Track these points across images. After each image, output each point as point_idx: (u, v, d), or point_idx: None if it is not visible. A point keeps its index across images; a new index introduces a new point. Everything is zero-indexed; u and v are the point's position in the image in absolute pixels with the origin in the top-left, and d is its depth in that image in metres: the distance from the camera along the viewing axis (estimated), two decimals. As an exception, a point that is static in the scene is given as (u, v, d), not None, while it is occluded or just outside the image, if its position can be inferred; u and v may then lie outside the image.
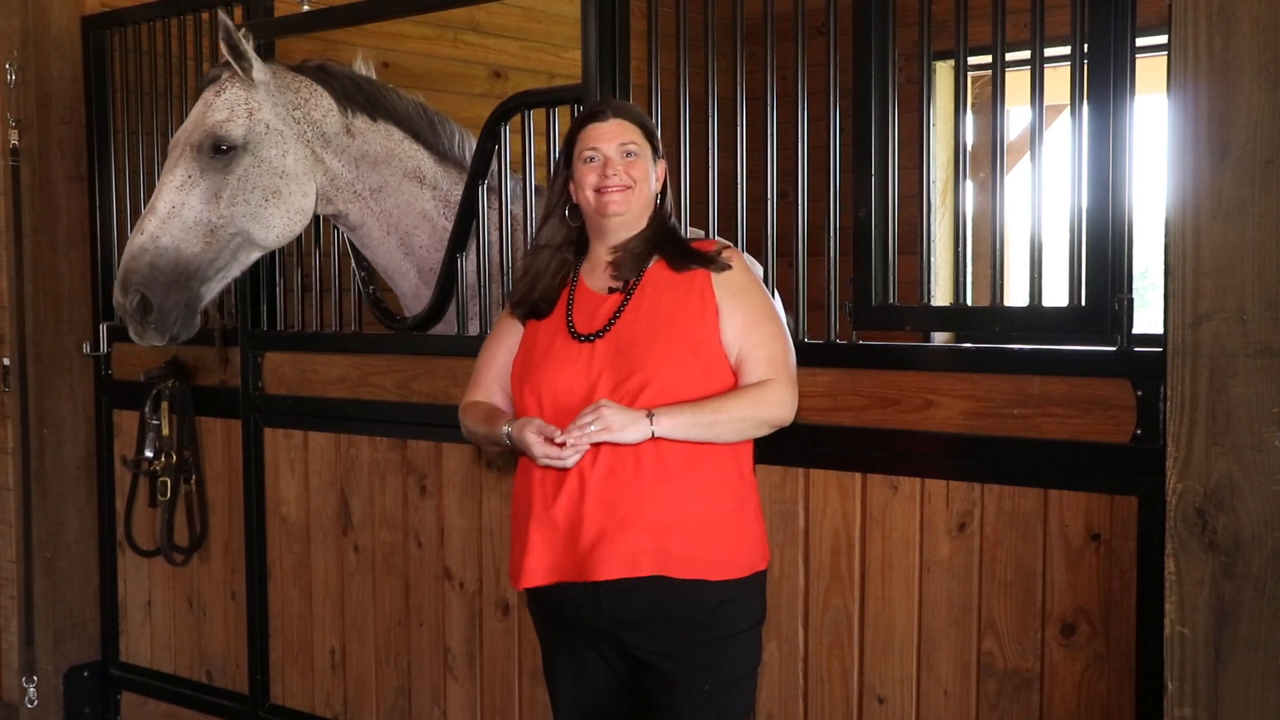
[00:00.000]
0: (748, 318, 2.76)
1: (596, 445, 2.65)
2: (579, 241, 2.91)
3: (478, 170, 3.66)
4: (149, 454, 4.32)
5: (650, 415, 2.63)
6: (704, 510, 2.69)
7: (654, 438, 2.64)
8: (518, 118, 3.63)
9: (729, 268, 2.78)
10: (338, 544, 4.07)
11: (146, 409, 4.32)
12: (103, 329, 4.72)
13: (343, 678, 4.09)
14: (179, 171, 3.58)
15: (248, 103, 3.60)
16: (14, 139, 4.63)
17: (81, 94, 4.71)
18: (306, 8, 4.06)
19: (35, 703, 4.73)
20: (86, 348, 4.73)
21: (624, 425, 2.61)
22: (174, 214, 3.54)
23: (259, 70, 3.62)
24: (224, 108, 3.58)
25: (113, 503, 4.74)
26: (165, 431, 4.32)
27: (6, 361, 4.75)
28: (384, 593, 3.97)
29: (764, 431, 2.78)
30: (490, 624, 3.73)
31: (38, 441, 4.68)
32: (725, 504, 2.73)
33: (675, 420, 2.65)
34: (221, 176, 3.57)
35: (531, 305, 2.87)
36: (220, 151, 3.56)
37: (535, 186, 3.68)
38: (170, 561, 4.42)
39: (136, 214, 4.64)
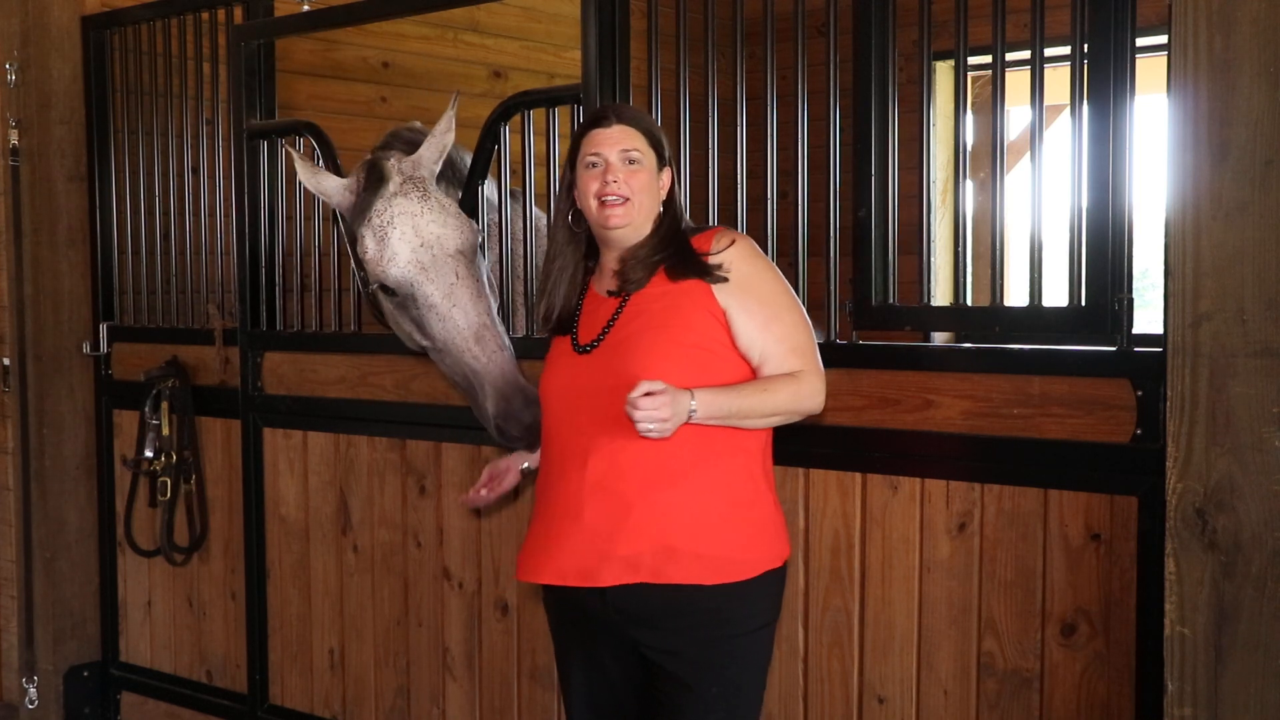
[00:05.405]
0: (764, 312, 2.70)
1: (616, 441, 2.64)
2: (590, 245, 2.88)
3: (477, 170, 3.65)
4: (149, 454, 4.32)
5: (692, 398, 2.58)
6: (709, 509, 2.66)
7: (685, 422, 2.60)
8: (518, 117, 3.63)
9: (725, 279, 2.70)
10: (337, 544, 4.06)
11: (146, 409, 4.32)
12: (103, 329, 4.73)
13: (342, 678, 4.09)
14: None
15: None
16: (14, 139, 4.63)
17: (81, 94, 4.71)
18: (306, 8, 4.06)
19: (35, 703, 4.72)
20: (86, 348, 4.73)
21: (668, 423, 2.54)
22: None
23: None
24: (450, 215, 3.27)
25: (113, 503, 4.74)
26: (165, 431, 4.33)
27: (6, 361, 4.74)
28: (383, 593, 3.97)
29: (794, 420, 2.76)
30: (489, 624, 3.73)
31: (38, 441, 4.68)
32: (733, 502, 2.69)
33: (711, 411, 2.61)
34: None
35: (558, 323, 2.86)
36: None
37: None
38: (170, 561, 4.43)
39: (136, 214, 4.66)
